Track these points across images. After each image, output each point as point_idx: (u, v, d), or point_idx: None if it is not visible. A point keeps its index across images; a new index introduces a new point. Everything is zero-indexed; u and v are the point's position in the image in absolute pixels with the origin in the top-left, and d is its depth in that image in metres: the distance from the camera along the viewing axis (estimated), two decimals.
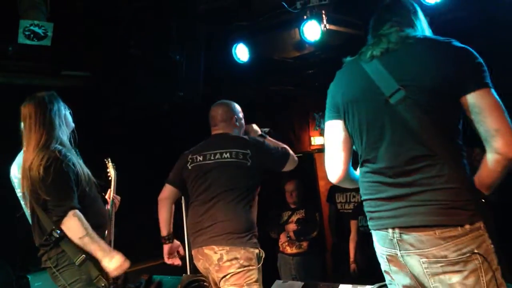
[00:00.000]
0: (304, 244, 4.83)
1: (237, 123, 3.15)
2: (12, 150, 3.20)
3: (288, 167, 3.01)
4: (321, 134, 3.08)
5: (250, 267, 2.70)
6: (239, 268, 2.66)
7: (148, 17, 4.46)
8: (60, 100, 2.83)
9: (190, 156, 3.04)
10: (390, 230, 1.80)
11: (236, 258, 2.67)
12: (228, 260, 2.67)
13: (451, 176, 1.71)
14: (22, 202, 3.24)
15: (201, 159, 2.97)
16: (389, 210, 1.80)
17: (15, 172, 3.20)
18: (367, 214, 1.94)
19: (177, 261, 3.14)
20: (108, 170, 3.32)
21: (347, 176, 2.04)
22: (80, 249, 2.58)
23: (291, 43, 4.52)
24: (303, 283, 3.47)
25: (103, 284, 2.58)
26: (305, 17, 4.12)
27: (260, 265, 2.78)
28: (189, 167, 2.99)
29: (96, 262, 2.60)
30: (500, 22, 3.83)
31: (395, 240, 1.77)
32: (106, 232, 2.89)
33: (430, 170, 1.74)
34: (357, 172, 2.06)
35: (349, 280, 3.97)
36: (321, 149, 7.84)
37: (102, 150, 3.59)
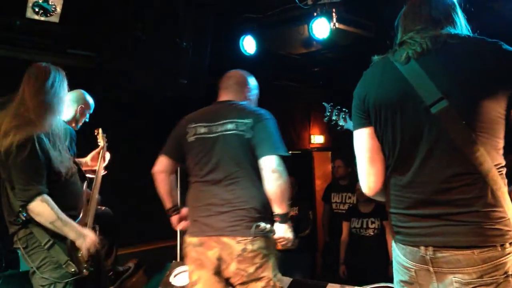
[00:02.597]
0: (295, 241, 4.82)
1: (250, 96, 2.79)
2: None
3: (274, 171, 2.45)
4: (330, 125, 2.89)
5: (272, 255, 2.54)
6: (263, 258, 2.47)
7: (157, 3, 4.43)
8: (63, 76, 2.69)
9: (190, 126, 2.67)
10: (422, 248, 1.66)
11: (260, 248, 2.46)
12: (252, 251, 2.44)
13: (491, 199, 1.57)
14: None
15: (205, 131, 2.61)
16: (422, 227, 1.66)
17: None
18: (394, 227, 1.78)
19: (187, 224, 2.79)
20: (98, 140, 3.24)
21: (383, 189, 1.84)
22: (47, 233, 2.50)
23: (299, 39, 4.51)
24: (291, 279, 3.47)
25: (72, 270, 2.52)
26: (315, 14, 4.10)
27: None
28: (190, 140, 2.64)
29: (64, 247, 2.53)
30: None
31: (428, 257, 1.65)
32: (82, 213, 2.75)
33: (470, 190, 1.59)
34: None
35: (338, 280, 3.99)
36: (320, 148, 7.85)
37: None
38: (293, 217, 4.80)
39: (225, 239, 2.46)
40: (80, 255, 2.58)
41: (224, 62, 5.15)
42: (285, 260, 4.80)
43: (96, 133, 3.27)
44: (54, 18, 3.64)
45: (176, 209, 2.78)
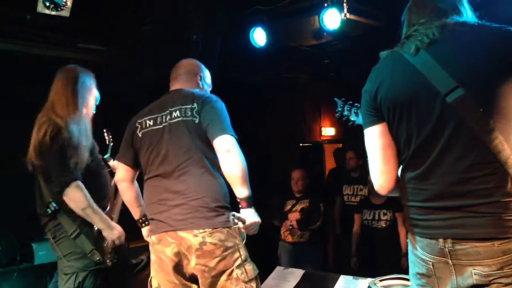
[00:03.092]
0: (306, 234, 4.82)
1: (201, 84, 2.62)
2: (25, 116, 3.21)
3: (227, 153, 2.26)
4: (341, 120, 2.81)
5: (236, 247, 2.31)
6: (225, 251, 2.27)
7: None
8: (91, 76, 2.86)
9: (138, 121, 2.50)
10: (441, 240, 1.63)
11: (221, 240, 2.25)
12: (212, 244, 2.25)
13: (511, 188, 1.54)
14: None
15: (151, 123, 2.44)
16: (440, 220, 1.64)
17: None
18: (411, 220, 1.75)
19: None
20: (107, 143, 3.29)
21: (397, 184, 1.81)
22: (75, 223, 2.63)
23: (309, 30, 4.49)
24: (304, 271, 3.47)
25: (97, 258, 2.63)
26: (325, 4, 4.07)
27: (244, 240, 2.37)
28: (139, 135, 2.47)
29: (90, 237, 2.64)
30: None
31: (446, 250, 1.63)
32: (109, 205, 2.89)
33: (489, 180, 1.55)
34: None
35: (350, 272, 3.98)
36: (331, 140, 7.83)
37: (109, 126, 3.57)
38: (304, 209, 4.80)
39: (181, 234, 2.27)
40: (105, 245, 2.68)
41: (234, 55, 5.15)
42: (297, 252, 4.82)
43: (105, 134, 3.31)
44: (65, 13, 3.65)
45: (145, 220, 2.56)
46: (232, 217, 2.27)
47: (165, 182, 2.35)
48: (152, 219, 2.41)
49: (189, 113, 2.35)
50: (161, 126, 2.40)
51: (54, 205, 2.61)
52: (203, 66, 2.68)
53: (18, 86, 4.39)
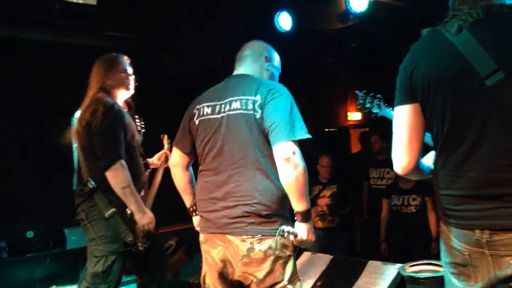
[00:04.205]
0: (336, 219, 4.81)
1: (267, 66, 2.38)
2: (64, 106, 3.26)
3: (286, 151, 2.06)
4: (363, 113, 2.76)
5: (288, 257, 2.15)
6: (275, 261, 2.10)
7: None
8: (130, 63, 2.92)
9: (197, 107, 2.32)
10: (477, 231, 1.57)
11: (271, 248, 2.09)
12: (261, 251, 2.09)
13: None
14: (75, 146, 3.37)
15: (209, 111, 2.25)
16: (478, 210, 1.57)
17: None
18: (445, 210, 1.68)
19: None
20: (164, 145, 3.34)
21: (417, 167, 1.75)
22: (111, 204, 2.65)
23: (335, 13, 4.42)
24: (332, 257, 3.46)
25: (129, 239, 2.66)
26: None
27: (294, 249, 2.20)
28: (196, 122, 2.29)
29: (124, 218, 2.66)
30: None
31: (483, 240, 1.57)
32: (143, 193, 2.91)
33: None
34: (426, 160, 1.84)
35: (378, 258, 3.95)
36: (357, 125, 7.75)
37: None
38: (333, 194, 4.78)
39: (229, 237, 2.14)
40: (137, 228, 2.70)
41: (259, 39, 5.12)
42: (326, 238, 4.82)
43: (161, 137, 3.35)
44: (92, 1, 3.69)
45: (196, 209, 2.41)
46: (284, 228, 2.07)
47: (217, 179, 2.20)
48: (201, 216, 2.30)
49: (251, 106, 2.13)
50: (218, 116, 2.21)
51: (93, 183, 2.64)
52: (270, 47, 2.44)
53: (46, 74, 4.46)
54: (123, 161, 2.61)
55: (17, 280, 4.23)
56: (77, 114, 3.28)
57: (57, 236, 4.58)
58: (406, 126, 1.72)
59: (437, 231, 1.84)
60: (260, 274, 2.09)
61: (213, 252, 2.20)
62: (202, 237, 2.29)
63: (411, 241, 4.28)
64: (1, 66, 4.25)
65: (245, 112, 2.14)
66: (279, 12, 4.74)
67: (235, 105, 2.17)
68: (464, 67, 1.56)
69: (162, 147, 3.28)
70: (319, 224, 4.78)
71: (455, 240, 1.66)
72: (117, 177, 2.60)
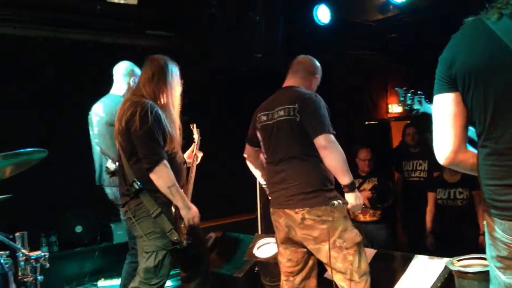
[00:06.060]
0: (378, 212, 4.75)
1: (314, 84, 3.03)
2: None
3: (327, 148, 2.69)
4: (404, 109, 2.72)
5: (335, 220, 2.71)
6: (323, 224, 2.70)
7: None
8: (176, 66, 2.91)
9: (258, 115, 3.02)
10: None
11: (318, 216, 2.71)
12: (310, 219, 2.72)
13: None
14: (93, 141, 3.43)
15: (265, 119, 2.96)
16: None
17: (98, 110, 3.39)
18: (489, 201, 1.65)
19: None
20: (193, 136, 3.39)
21: (459, 157, 1.72)
22: (156, 202, 2.70)
23: (375, 4, 4.37)
24: (375, 251, 3.42)
25: (175, 238, 2.70)
26: None
27: (344, 213, 2.77)
28: (258, 127, 3.01)
29: (170, 217, 2.72)
30: None
31: None
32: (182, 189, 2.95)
33: None
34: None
35: (423, 251, 3.88)
36: (398, 118, 7.60)
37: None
38: (374, 187, 4.72)
39: (287, 211, 2.81)
40: (182, 225, 2.77)
41: (298, 34, 5.10)
42: (368, 231, 4.77)
43: (191, 127, 3.39)
44: (133, 1, 3.76)
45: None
46: (335, 202, 2.67)
47: (274, 168, 2.90)
48: (268, 195, 3.03)
49: (292, 112, 2.79)
50: (271, 122, 2.90)
51: (139, 184, 2.70)
52: (319, 67, 3.04)
53: (89, 74, 4.59)
54: (165, 162, 2.67)
55: (67, 273, 4.39)
56: (94, 108, 3.40)
57: (104, 231, 4.72)
58: (447, 114, 1.68)
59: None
60: (314, 233, 2.73)
61: (280, 220, 2.87)
62: (271, 210, 2.97)
63: (458, 235, 4.18)
64: (46, 66, 4.43)
65: (288, 118, 2.81)
66: (317, 5, 4.70)
67: (281, 113, 2.84)
68: (504, 53, 1.53)
69: (192, 136, 3.33)
70: (361, 217, 4.73)
71: (501, 233, 1.62)
72: (162, 178, 2.66)
